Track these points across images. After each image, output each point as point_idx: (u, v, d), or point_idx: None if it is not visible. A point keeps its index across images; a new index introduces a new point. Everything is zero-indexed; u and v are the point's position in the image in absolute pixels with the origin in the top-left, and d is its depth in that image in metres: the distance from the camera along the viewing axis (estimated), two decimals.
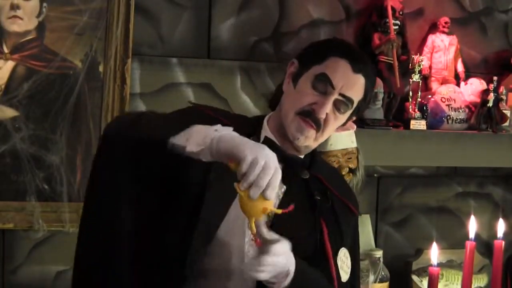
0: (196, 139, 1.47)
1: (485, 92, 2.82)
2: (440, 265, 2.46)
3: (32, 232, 2.43)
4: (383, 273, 2.71)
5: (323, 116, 1.65)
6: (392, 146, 2.72)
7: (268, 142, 1.65)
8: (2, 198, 2.36)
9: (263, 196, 1.42)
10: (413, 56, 2.76)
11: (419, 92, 2.78)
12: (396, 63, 2.68)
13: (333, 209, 1.74)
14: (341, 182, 1.92)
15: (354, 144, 2.32)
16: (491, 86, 2.82)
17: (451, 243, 2.97)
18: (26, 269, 2.46)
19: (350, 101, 1.68)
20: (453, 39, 2.88)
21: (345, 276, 1.76)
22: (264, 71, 2.66)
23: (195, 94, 2.55)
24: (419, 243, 2.97)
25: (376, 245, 2.88)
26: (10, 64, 2.33)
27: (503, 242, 2.29)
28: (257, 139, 1.69)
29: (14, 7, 2.30)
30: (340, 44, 1.76)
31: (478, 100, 2.84)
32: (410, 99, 2.76)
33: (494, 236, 2.34)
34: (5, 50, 2.32)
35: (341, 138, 2.25)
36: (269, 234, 1.48)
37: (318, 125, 1.66)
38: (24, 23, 2.32)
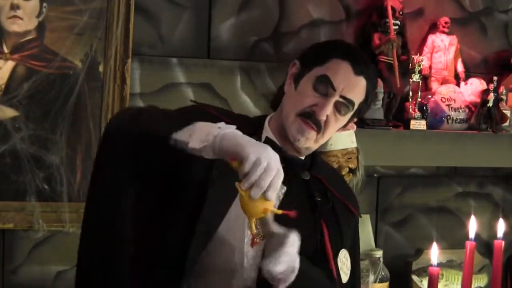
0: (199, 135, 1.47)
1: (485, 92, 2.82)
2: (440, 265, 2.46)
3: (32, 232, 2.43)
4: (383, 273, 2.71)
5: (323, 118, 1.65)
6: (392, 146, 2.72)
7: (269, 143, 1.65)
8: (2, 198, 2.36)
9: (264, 196, 1.42)
10: (413, 56, 2.76)
11: (419, 92, 2.78)
12: (396, 63, 2.68)
13: (333, 210, 1.74)
14: (341, 183, 1.92)
15: (354, 144, 2.32)
16: (491, 86, 2.82)
17: (451, 243, 2.97)
18: (26, 269, 2.46)
19: (351, 103, 1.68)
20: (453, 39, 2.88)
21: (345, 277, 1.76)
22: (264, 71, 2.66)
23: (195, 94, 2.55)
24: (419, 243, 2.97)
25: (376, 245, 2.88)
26: (10, 64, 2.33)
27: (503, 242, 2.29)
28: (258, 139, 1.69)
29: (14, 7, 2.30)
30: (342, 46, 1.76)
31: (478, 100, 2.84)
32: (410, 99, 2.76)
33: (494, 236, 2.34)
34: (5, 50, 2.32)
35: (341, 138, 2.25)
36: (279, 228, 1.47)
37: (319, 127, 1.66)
38: (24, 23, 2.32)
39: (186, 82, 2.57)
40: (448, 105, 2.81)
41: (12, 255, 2.45)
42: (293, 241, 1.49)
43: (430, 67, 2.88)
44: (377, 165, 2.89)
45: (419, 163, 2.91)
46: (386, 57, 2.70)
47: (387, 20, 2.68)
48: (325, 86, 1.66)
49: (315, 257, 1.68)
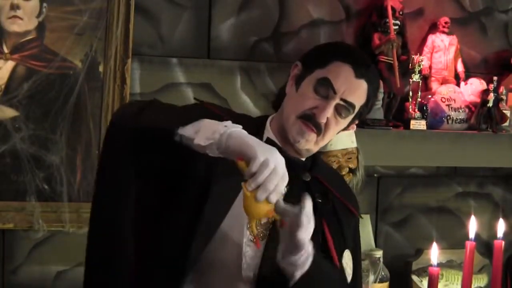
0: (205, 133, 1.48)
1: (485, 92, 2.82)
2: (440, 265, 2.47)
3: (32, 232, 2.43)
4: (383, 273, 2.71)
5: (323, 120, 1.65)
6: (392, 146, 2.72)
7: (269, 143, 1.65)
8: (2, 198, 2.36)
9: (267, 199, 1.42)
10: (413, 56, 2.76)
11: (419, 92, 2.78)
12: (396, 63, 2.68)
13: (334, 210, 1.74)
14: (341, 183, 1.92)
15: (354, 144, 2.32)
16: (491, 86, 2.82)
17: (451, 243, 2.97)
18: (26, 269, 2.46)
19: (352, 106, 1.67)
20: (453, 39, 2.88)
21: (348, 278, 1.76)
22: (264, 71, 2.66)
23: (195, 94, 2.55)
24: (419, 243, 2.97)
25: (376, 245, 2.88)
26: (10, 64, 2.33)
27: (503, 242, 2.29)
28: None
29: (14, 7, 2.30)
30: (344, 48, 1.76)
31: (478, 100, 2.84)
32: (410, 99, 2.76)
33: (494, 236, 2.34)
34: (5, 50, 2.32)
35: (341, 138, 2.25)
36: (292, 207, 1.48)
37: (319, 129, 1.66)
38: (24, 23, 2.32)
39: (186, 82, 2.57)
40: (448, 105, 2.81)
41: (12, 255, 2.45)
42: (310, 206, 1.49)
43: (430, 67, 2.88)
44: (377, 165, 2.89)
45: (419, 163, 2.91)
46: (386, 57, 2.70)
47: (387, 20, 2.68)
48: (326, 88, 1.66)
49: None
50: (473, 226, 2.29)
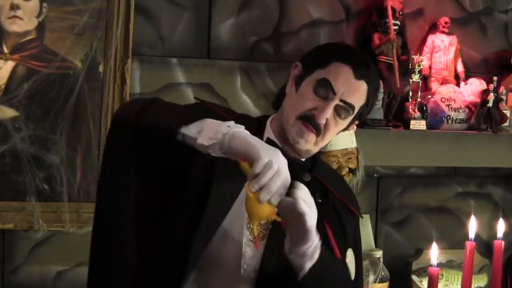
0: (208, 132, 1.48)
1: (485, 92, 2.82)
2: (440, 265, 2.46)
3: (32, 232, 2.43)
4: (383, 273, 2.71)
5: (323, 121, 1.65)
6: (392, 146, 2.72)
7: (270, 144, 1.65)
8: (2, 198, 2.36)
9: (268, 201, 1.42)
10: (413, 56, 2.76)
11: (419, 92, 2.78)
12: (396, 63, 2.68)
13: (335, 210, 1.74)
14: (341, 184, 1.92)
15: (354, 144, 2.32)
16: (491, 86, 2.82)
17: (451, 243, 2.97)
18: (26, 269, 2.46)
19: (351, 107, 1.67)
20: (453, 39, 2.88)
21: (351, 276, 1.76)
22: (264, 71, 2.66)
23: (195, 94, 2.54)
24: (419, 243, 2.97)
25: (376, 245, 2.88)
26: (10, 64, 2.33)
27: (503, 242, 2.28)
28: None
29: (14, 7, 2.30)
30: (344, 49, 1.76)
31: (478, 100, 2.84)
32: (410, 99, 2.76)
33: (494, 236, 2.34)
34: (5, 50, 2.32)
35: (341, 138, 2.25)
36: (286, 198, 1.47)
37: (318, 130, 1.66)
38: (24, 23, 2.32)
39: (186, 82, 2.57)
40: (448, 105, 2.81)
41: (12, 255, 2.45)
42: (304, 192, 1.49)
43: (430, 67, 2.88)
44: (377, 165, 2.89)
45: (419, 163, 2.91)
46: (386, 57, 2.70)
47: (387, 20, 2.68)
48: (325, 89, 1.65)
49: None
50: (473, 226, 2.29)
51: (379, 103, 2.68)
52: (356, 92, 1.67)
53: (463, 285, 2.24)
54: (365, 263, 2.64)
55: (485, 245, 3.06)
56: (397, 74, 2.68)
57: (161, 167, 1.61)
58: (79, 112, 2.40)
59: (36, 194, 2.38)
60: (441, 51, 2.87)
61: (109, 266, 1.67)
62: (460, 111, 2.84)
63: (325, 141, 1.71)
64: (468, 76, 2.93)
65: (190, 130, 1.50)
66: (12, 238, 2.44)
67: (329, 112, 1.65)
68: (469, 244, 2.22)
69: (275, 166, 1.41)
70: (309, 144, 1.68)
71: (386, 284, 2.72)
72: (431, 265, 2.18)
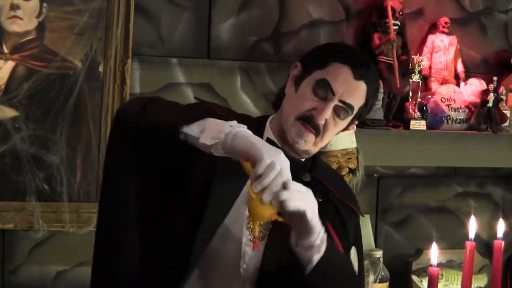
0: (211, 132, 1.48)
1: (485, 92, 2.82)
2: (440, 265, 2.46)
3: (32, 232, 2.43)
4: (383, 273, 2.71)
5: (322, 122, 1.65)
6: (392, 146, 2.72)
7: (269, 144, 1.65)
8: (2, 198, 2.36)
9: (270, 201, 1.42)
10: (413, 56, 2.76)
11: (419, 92, 2.78)
12: (396, 63, 2.68)
13: (336, 209, 1.74)
14: (341, 184, 1.92)
15: (354, 144, 2.32)
16: (491, 86, 2.82)
17: (451, 243, 2.97)
18: (26, 269, 2.46)
19: (350, 107, 1.67)
20: (453, 39, 2.88)
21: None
22: (264, 71, 2.66)
23: (195, 94, 2.54)
24: (419, 243, 2.97)
25: (376, 245, 2.88)
26: (10, 64, 2.33)
27: (503, 242, 2.28)
28: None
29: (14, 7, 2.30)
30: (344, 49, 1.75)
31: (478, 100, 2.84)
32: (410, 99, 2.76)
33: (494, 236, 2.34)
34: (5, 50, 2.32)
35: (341, 138, 2.25)
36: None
37: (317, 131, 1.66)
38: (24, 23, 2.32)
39: (186, 82, 2.57)
40: (448, 105, 2.81)
41: (12, 255, 2.45)
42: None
43: (430, 67, 2.88)
44: (377, 165, 2.89)
45: (419, 163, 2.91)
46: (386, 57, 2.70)
47: (387, 20, 2.68)
48: (324, 90, 1.65)
49: None
50: (473, 226, 2.29)
51: (379, 103, 2.68)
52: (355, 92, 1.67)
53: (463, 285, 2.24)
54: (365, 263, 2.64)
55: (485, 245, 3.06)
56: (397, 74, 2.68)
57: (161, 167, 1.61)
58: (79, 112, 2.40)
59: (36, 194, 2.38)
60: (441, 51, 2.87)
61: (109, 266, 1.67)
62: (460, 111, 2.84)
63: (324, 142, 1.71)
64: (468, 76, 2.93)
65: (192, 130, 1.50)
66: (12, 238, 2.44)
67: (328, 113, 1.65)
68: (469, 244, 2.22)
69: (277, 167, 1.41)
70: (308, 145, 1.68)
71: (386, 284, 2.72)
72: (431, 265, 2.18)
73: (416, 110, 2.76)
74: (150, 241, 1.66)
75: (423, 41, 2.90)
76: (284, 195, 1.42)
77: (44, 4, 2.33)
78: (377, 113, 2.68)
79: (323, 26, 2.74)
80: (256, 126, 1.73)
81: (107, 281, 1.68)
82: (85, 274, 2.43)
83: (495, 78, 2.84)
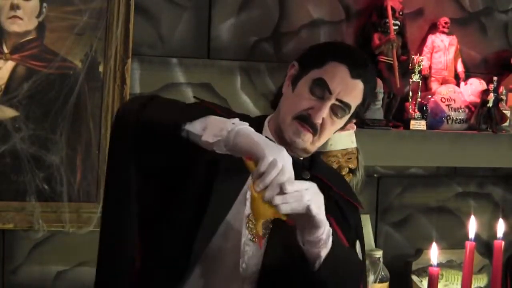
0: (213, 129, 1.48)
1: (485, 92, 2.82)
2: (440, 265, 2.46)
3: (32, 232, 2.43)
4: (383, 273, 2.71)
5: (319, 121, 1.65)
6: (392, 146, 2.72)
7: None
8: (2, 198, 2.36)
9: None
10: (413, 56, 2.76)
11: (419, 92, 2.78)
12: (396, 63, 2.68)
13: (337, 205, 1.74)
14: (341, 181, 1.93)
15: (354, 144, 2.32)
16: (491, 86, 2.82)
17: (451, 243, 2.97)
18: (26, 269, 2.46)
19: (348, 106, 1.67)
20: (453, 39, 2.88)
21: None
22: (264, 71, 2.66)
23: (195, 94, 2.54)
24: (419, 243, 2.97)
25: (376, 245, 2.88)
26: (10, 64, 2.33)
27: (503, 242, 2.28)
28: None
29: (14, 7, 2.30)
30: (340, 48, 1.75)
31: (478, 100, 2.84)
32: (410, 99, 2.76)
33: (494, 236, 2.34)
34: (5, 50, 2.32)
35: (341, 138, 2.25)
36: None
37: (315, 130, 1.66)
38: (24, 23, 2.32)
39: (186, 82, 2.57)
40: (448, 105, 2.81)
41: (12, 255, 2.45)
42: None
43: (430, 67, 2.88)
44: (377, 165, 2.89)
45: (419, 163, 2.91)
46: (386, 57, 2.70)
47: (387, 20, 2.68)
48: (321, 89, 1.66)
49: None
50: (473, 226, 2.29)
51: (379, 103, 2.68)
52: (352, 91, 1.67)
53: (463, 285, 2.24)
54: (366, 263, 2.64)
55: (485, 245, 3.06)
56: (397, 74, 2.68)
57: (162, 166, 1.61)
58: (79, 112, 2.40)
59: (36, 194, 2.38)
60: (441, 51, 2.87)
61: (111, 265, 1.67)
62: (460, 111, 2.84)
63: (322, 140, 1.71)
64: (468, 76, 2.93)
65: (194, 127, 1.50)
66: (12, 238, 2.44)
67: (325, 112, 1.65)
68: (469, 244, 2.22)
69: (279, 165, 1.41)
70: (306, 144, 1.68)
71: (386, 284, 2.72)
72: (431, 265, 2.18)
73: (416, 110, 2.77)
74: (150, 241, 1.66)
75: (423, 41, 2.90)
76: (277, 200, 1.41)
77: (44, 4, 2.33)
78: (377, 113, 2.68)
79: (323, 26, 2.74)
80: (255, 126, 1.72)
81: (109, 280, 1.68)
82: (85, 274, 2.44)
83: (495, 78, 2.84)
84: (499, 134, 2.85)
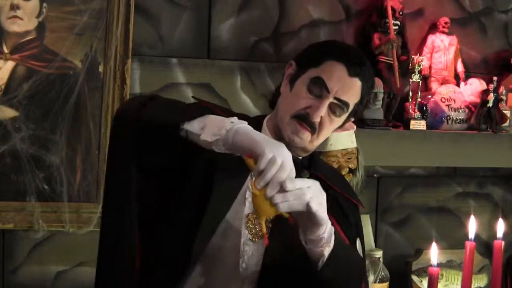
0: (211, 128, 1.48)
1: (485, 92, 2.82)
2: (440, 265, 2.46)
3: (32, 232, 2.43)
4: (383, 273, 2.71)
5: (317, 120, 1.65)
6: (392, 146, 2.72)
7: None
8: (2, 198, 2.36)
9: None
10: (413, 56, 2.76)
11: (419, 92, 2.78)
12: (396, 63, 2.68)
13: (338, 203, 1.74)
14: (341, 180, 1.93)
15: (354, 144, 2.32)
16: (491, 86, 2.82)
17: (451, 243, 2.97)
18: (26, 269, 2.46)
19: (346, 104, 1.67)
20: (453, 39, 2.88)
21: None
22: (264, 71, 2.66)
23: (195, 94, 2.53)
24: (419, 243, 2.97)
25: (376, 245, 2.88)
26: (10, 64, 2.33)
27: (503, 242, 2.28)
28: None
29: (14, 7, 2.30)
30: (338, 47, 1.75)
31: (478, 100, 2.84)
32: (410, 99, 2.76)
33: (494, 236, 2.33)
34: (5, 50, 2.32)
35: (341, 138, 2.25)
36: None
37: (313, 128, 1.66)
38: (24, 23, 2.32)
39: (186, 82, 2.57)
40: (448, 105, 2.81)
41: (12, 255, 2.45)
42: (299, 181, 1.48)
43: (430, 67, 2.88)
44: (377, 165, 2.89)
45: (419, 163, 2.91)
46: (386, 57, 2.70)
47: (387, 20, 2.68)
48: (319, 88, 1.66)
49: None
50: (473, 226, 2.29)
51: (379, 103, 2.68)
52: (350, 89, 1.67)
53: (463, 285, 2.24)
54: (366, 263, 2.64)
55: (485, 245, 3.06)
56: (397, 74, 2.68)
57: (162, 166, 1.61)
58: (79, 112, 2.40)
59: (36, 194, 2.38)
60: (441, 51, 2.87)
61: (111, 265, 1.67)
62: (460, 111, 2.84)
63: (320, 139, 1.71)
64: (468, 76, 2.93)
65: (193, 126, 1.50)
66: (12, 238, 2.44)
67: (323, 110, 1.65)
68: (469, 244, 2.22)
69: (278, 161, 1.41)
70: (305, 142, 1.68)
71: (386, 284, 2.72)
72: (431, 265, 2.18)
73: (416, 110, 2.76)
74: (150, 240, 1.66)
75: (423, 41, 2.90)
76: (278, 198, 1.42)
77: (44, 4, 2.33)
78: (377, 113, 2.68)
79: (323, 26, 2.74)
80: (254, 125, 1.72)
81: (109, 280, 1.68)
82: (85, 274, 2.44)
83: (495, 78, 2.84)
84: (499, 134, 2.85)
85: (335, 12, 2.76)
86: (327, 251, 1.52)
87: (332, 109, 1.67)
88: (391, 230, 3.00)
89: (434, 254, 2.19)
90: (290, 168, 1.43)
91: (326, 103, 1.65)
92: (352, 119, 1.78)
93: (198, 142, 1.50)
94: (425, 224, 3.04)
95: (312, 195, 1.46)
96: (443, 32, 2.87)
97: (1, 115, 2.33)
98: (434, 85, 2.88)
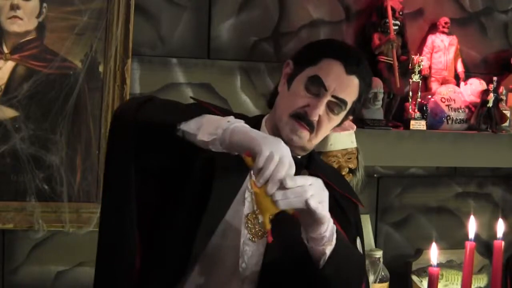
0: (208, 128, 1.48)
1: (485, 92, 2.82)
2: (440, 265, 2.46)
3: (32, 232, 2.43)
4: (383, 273, 2.71)
5: (315, 118, 1.65)
6: (392, 146, 2.72)
7: None
8: (2, 198, 2.36)
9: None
10: (413, 56, 2.76)
11: (419, 92, 2.78)
12: (396, 63, 2.68)
13: (337, 202, 1.74)
14: (340, 179, 1.93)
15: (354, 144, 2.32)
16: (491, 86, 2.82)
17: (451, 243, 2.97)
18: (26, 269, 2.46)
19: (344, 102, 1.67)
20: (453, 39, 2.88)
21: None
22: (264, 71, 2.66)
23: (195, 94, 2.55)
24: (419, 243, 2.97)
25: (376, 245, 2.88)
26: (10, 64, 2.33)
27: (503, 242, 2.28)
28: None
29: (14, 7, 2.30)
30: (335, 45, 1.75)
31: (478, 100, 2.84)
32: (410, 99, 2.76)
33: (494, 236, 2.34)
34: (5, 50, 2.32)
35: (341, 138, 2.25)
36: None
37: (312, 127, 1.66)
38: (24, 23, 2.32)
39: (186, 82, 2.57)
40: (448, 105, 2.81)
41: (12, 255, 2.45)
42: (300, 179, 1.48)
43: (430, 67, 2.88)
44: (377, 165, 2.89)
45: (419, 163, 2.91)
46: (386, 57, 2.70)
47: (387, 20, 2.68)
48: (316, 86, 1.66)
49: None
50: (473, 226, 2.29)
51: (379, 103, 2.68)
52: (347, 87, 1.67)
53: (463, 285, 2.24)
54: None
55: (485, 245, 3.06)
56: (397, 74, 2.68)
57: (160, 166, 1.61)
58: (79, 112, 2.40)
59: (36, 194, 2.38)
60: (441, 51, 2.87)
61: (110, 264, 1.67)
62: (460, 111, 2.84)
63: (319, 138, 1.71)
64: (468, 76, 2.93)
65: (189, 127, 1.50)
66: (12, 238, 2.44)
67: (321, 109, 1.65)
68: (469, 244, 2.22)
69: (276, 157, 1.41)
70: (303, 141, 1.68)
71: (386, 284, 2.72)
72: (431, 265, 2.18)
73: (416, 110, 2.77)
74: (150, 240, 1.66)
75: (423, 41, 2.90)
76: (277, 195, 1.42)
77: (44, 4, 2.33)
78: (377, 113, 2.68)
79: (323, 26, 2.74)
80: (252, 125, 1.73)
81: (109, 279, 1.68)
82: (85, 274, 2.44)
83: (495, 78, 2.84)
84: (499, 134, 2.85)
85: (335, 12, 2.76)
86: (328, 249, 1.52)
87: (330, 107, 1.67)
88: (391, 230, 3.00)
89: (434, 254, 2.19)
90: (289, 163, 1.43)
91: (324, 101, 1.65)
92: (351, 118, 1.78)
93: (195, 142, 1.50)
94: (425, 224, 3.04)
95: (313, 192, 1.46)
96: (443, 32, 2.87)
97: (1, 115, 2.33)
98: (434, 85, 2.88)
